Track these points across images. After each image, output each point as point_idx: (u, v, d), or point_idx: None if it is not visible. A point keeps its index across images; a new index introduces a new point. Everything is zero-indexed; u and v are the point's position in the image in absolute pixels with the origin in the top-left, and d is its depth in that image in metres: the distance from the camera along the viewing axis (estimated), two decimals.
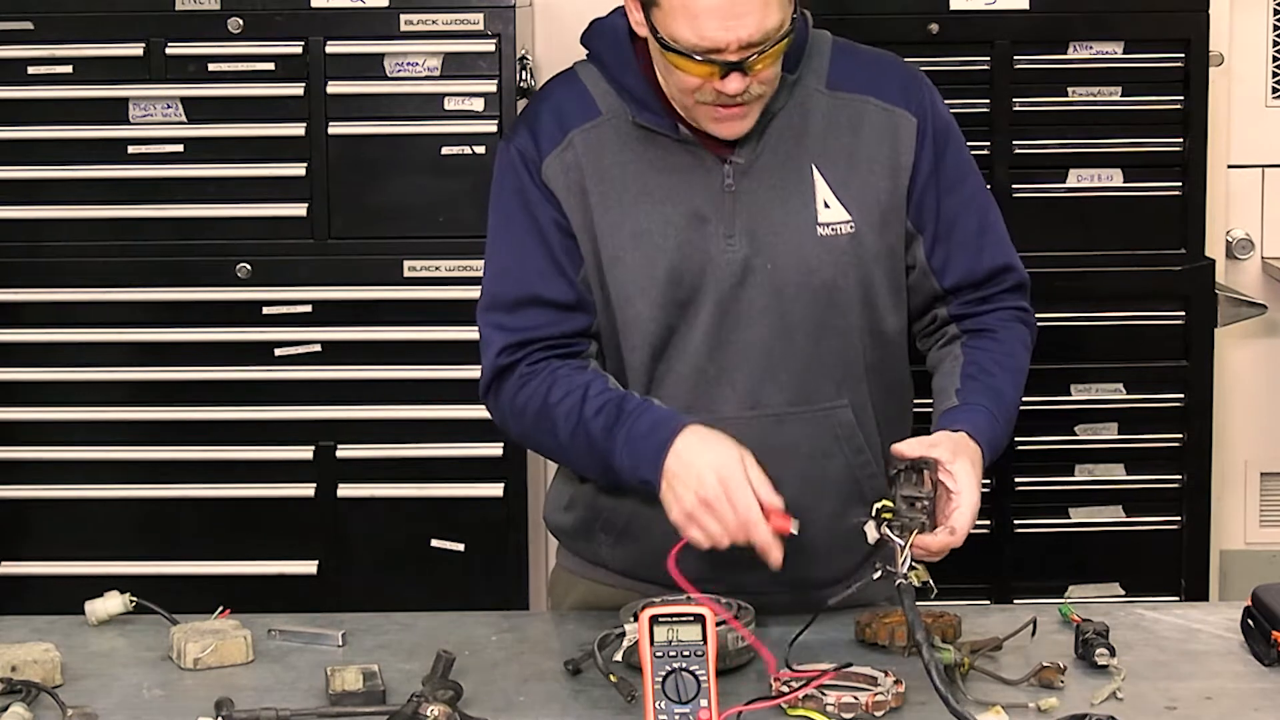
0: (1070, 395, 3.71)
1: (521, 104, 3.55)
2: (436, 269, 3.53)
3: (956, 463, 2.20)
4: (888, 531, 2.13)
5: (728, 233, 2.33)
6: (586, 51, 2.44)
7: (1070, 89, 3.66)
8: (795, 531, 2.17)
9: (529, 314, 2.37)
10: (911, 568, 2.12)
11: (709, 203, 2.34)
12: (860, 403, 2.40)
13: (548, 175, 2.36)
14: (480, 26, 3.52)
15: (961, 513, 2.18)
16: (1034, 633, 2.27)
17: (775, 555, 2.16)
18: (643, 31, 2.30)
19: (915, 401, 2.53)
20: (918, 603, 2.09)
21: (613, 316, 2.37)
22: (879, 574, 2.13)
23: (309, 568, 3.60)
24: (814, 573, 2.36)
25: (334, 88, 3.54)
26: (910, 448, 2.20)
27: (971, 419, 2.29)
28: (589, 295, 2.37)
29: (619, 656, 2.13)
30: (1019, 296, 2.46)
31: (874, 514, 2.15)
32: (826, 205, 2.35)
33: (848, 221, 2.35)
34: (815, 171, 2.35)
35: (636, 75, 2.36)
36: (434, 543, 3.59)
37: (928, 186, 2.39)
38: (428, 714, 2.00)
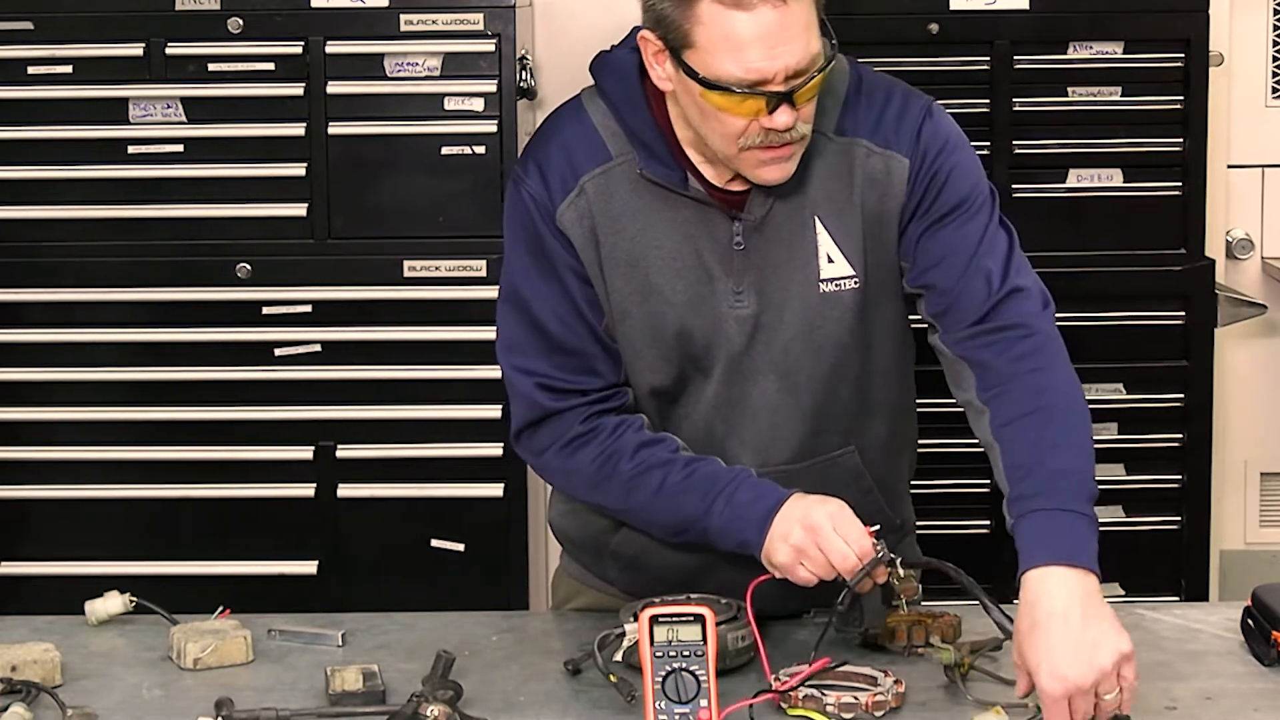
0: None
1: (521, 104, 3.55)
2: (436, 269, 3.52)
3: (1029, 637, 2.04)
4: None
5: (736, 289, 2.28)
6: (594, 79, 2.33)
7: (1070, 89, 3.66)
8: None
9: (560, 361, 2.30)
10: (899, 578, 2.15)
11: (717, 259, 2.27)
12: (866, 443, 2.36)
13: (563, 224, 2.27)
14: (480, 26, 3.52)
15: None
16: None
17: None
18: (667, 86, 2.21)
19: (919, 401, 2.50)
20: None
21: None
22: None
23: (309, 568, 3.59)
24: (821, 599, 2.29)
25: (334, 88, 3.53)
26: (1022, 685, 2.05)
27: (1034, 542, 2.11)
28: (611, 343, 2.30)
29: (619, 656, 2.13)
30: (1020, 314, 2.31)
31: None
32: (830, 260, 2.27)
33: (852, 276, 2.28)
34: (818, 223, 2.27)
35: (645, 119, 2.26)
36: (434, 543, 3.59)
37: (918, 223, 2.27)
38: (428, 714, 2.00)
